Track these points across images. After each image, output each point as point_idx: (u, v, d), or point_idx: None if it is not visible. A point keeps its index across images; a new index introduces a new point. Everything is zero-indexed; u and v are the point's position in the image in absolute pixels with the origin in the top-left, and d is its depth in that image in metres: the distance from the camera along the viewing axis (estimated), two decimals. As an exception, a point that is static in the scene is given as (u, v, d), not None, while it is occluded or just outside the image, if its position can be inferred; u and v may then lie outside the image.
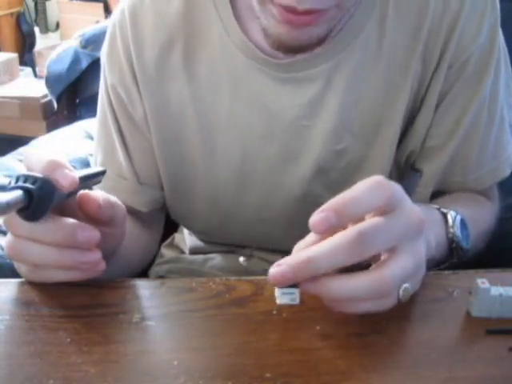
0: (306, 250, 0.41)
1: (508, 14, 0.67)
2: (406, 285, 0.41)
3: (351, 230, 0.39)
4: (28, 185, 0.41)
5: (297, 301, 0.41)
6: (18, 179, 0.42)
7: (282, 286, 0.41)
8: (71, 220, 0.44)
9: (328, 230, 0.39)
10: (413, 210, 0.42)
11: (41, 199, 0.41)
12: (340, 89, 0.61)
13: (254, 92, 0.63)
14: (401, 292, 0.41)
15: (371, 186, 0.40)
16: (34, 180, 0.42)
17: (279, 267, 0.40)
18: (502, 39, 0.64)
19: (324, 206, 0.39)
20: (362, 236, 0.39)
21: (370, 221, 0.40)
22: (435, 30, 0.60)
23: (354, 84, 0.61)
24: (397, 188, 0.41)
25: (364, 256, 0.40)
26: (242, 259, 0.48)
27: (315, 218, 0.39)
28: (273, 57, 0.61)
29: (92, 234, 0.44)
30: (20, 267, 0.49)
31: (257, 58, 0.62)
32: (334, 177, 0.65)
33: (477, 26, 0.60)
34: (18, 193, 0.40)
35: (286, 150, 0.64)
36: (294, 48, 0.55)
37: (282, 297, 0.42)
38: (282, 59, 0.61)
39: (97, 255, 0.45)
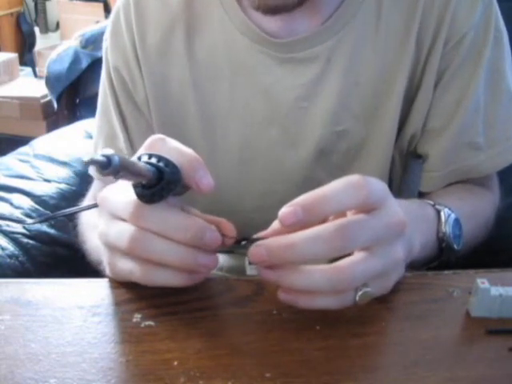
0: (286, 236, 0.40)
1: (508, 14, 0.67)
2: (366, 289, 0.40)
3: (333, 224, 0.39)
4: (161, 165, 0.39)
5: None
6: (150, 157, 0.40)
7: None
8: (200, 219, 0.42)
9: (295, 225, 0.39)
10: (394, 211, 0.41)
11: (168, 184, 0.39)
12: (339, 69, 0.62)
13: (254, 75, 0.63)
14: (359, 293, 0.40)
15: (345, 185, 0.39)
16: (167, 163, 0.39)
17: (258, 248, 0.39)
18: (500, 21, 0.64)
19: (294, 201, 0.39)
20: (344, 230, 0.38)
21: (352, 217, 0.40)
22: (428, 9, 0.61)
23: (353, 64, 0.62)
24: (376, 187, 0.40)
25: (343, 251, 0.39)
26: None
27: (284, 210, 0.39)
28: (273, 37, 0.62)
29: (217, 235, 0.41)
30: (115, 264, 0.45)
31: (257, 38, 0.62)
32: (335, 161, 0.65)
33: (470, 5, 0.61)
34: (151, 168, 0.38)
35: (286, 134, 0.64)
36: (273, 7, 0.55)
37: (250, 268, 0.42)
38: (283, 39, 0.61)
39: (216, 259, 0.43)
